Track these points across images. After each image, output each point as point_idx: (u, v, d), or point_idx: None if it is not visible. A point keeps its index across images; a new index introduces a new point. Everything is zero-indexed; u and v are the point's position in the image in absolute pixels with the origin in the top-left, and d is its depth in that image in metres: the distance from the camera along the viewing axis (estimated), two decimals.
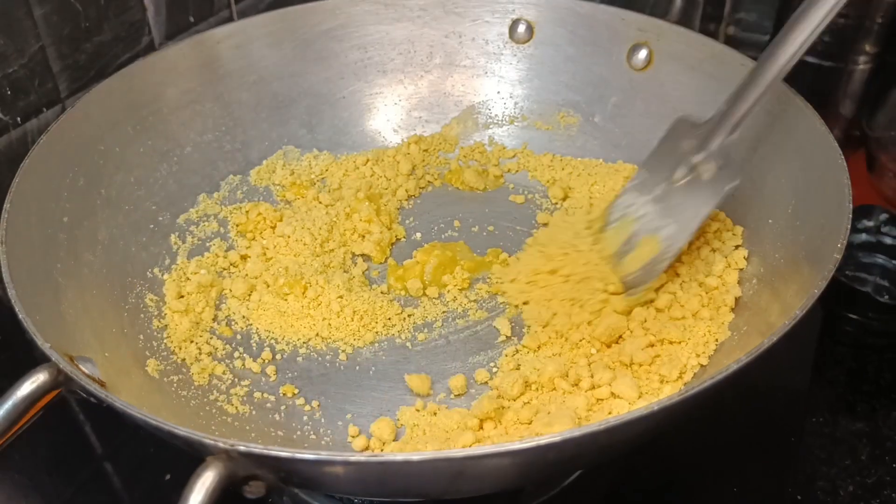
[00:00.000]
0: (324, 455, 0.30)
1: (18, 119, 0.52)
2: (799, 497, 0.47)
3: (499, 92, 0.68)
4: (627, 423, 0.32)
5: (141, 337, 0.49)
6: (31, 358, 0.55)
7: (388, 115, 0.68)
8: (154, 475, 0.49)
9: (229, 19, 0.66)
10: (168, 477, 0.49)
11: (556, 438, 0.30)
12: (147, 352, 0.48)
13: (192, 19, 0.63)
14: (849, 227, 0.41)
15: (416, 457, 0.30)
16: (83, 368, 0.37)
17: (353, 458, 0.30)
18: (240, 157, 0.63)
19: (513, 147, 0.67)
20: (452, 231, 0.60)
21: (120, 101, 0.55)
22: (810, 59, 0.65)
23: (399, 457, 0.30)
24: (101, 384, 0.37)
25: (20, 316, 0.37)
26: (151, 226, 0.56)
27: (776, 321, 0.41)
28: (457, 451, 0.30)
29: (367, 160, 0.65)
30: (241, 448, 0.31)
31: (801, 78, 0.66)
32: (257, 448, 0.31)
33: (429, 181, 0.65)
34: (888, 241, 0.59)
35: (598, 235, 0.54)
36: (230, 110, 0.62)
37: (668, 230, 0.50)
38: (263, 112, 0.64)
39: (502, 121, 0.68)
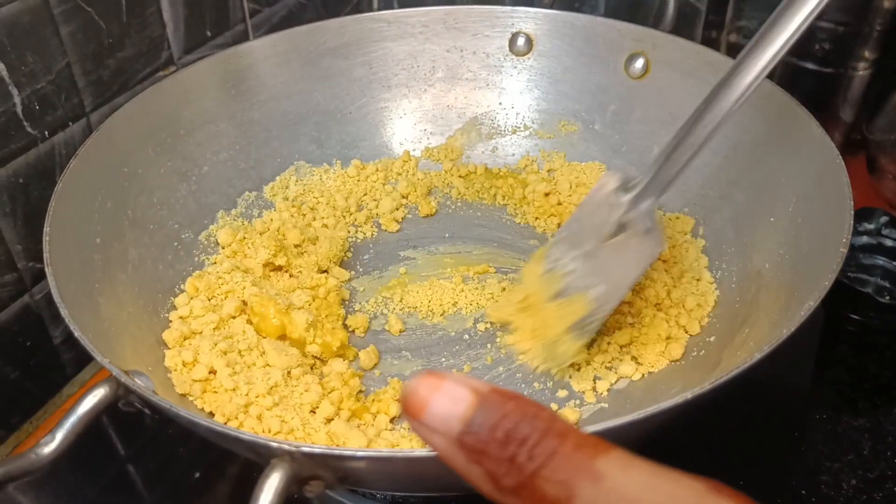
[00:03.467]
0: (385, 453, 0.32)
1: (46, 133, 0.53)
2: (803, 491, 0.48)
3: (500, 103, 0.70)
4: (649, 417, 0.34)
5: None
6: (59, 364, 0.57)
7: (394, 129, 0.70)
8: (178, 475, 0.51)
9: (245, 33, 0.68)
10: (197, 475, 0.51)
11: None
12: None
13: (209, 34, 0.65)
14: (851, 219, 0.43)
15: None
16: (139, 382, 0.38)
17: (414, 455, 0.32)
18: (254, 175, 0.65)
19: (516, 156, 0.70)
20: (462, 244, 0.63)
21: (140, 125, 0.56)
22: (810, 66, 0.68)
23: None
24: (156, 395, 0.38)
25: (76, 334, 0.39)
26: (175, 244, 0.57)
27: (786, 315, 0.44)
28: None
29: (377, 169, 0.68)
30: (305, 449, 0.32)
31: (802, 84, 0.69)
32: (320, 448, 0.33)
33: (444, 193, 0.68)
34: (889, 243, 0.61)
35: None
36: (243, 129, 0.64)
37: (598, 290, 0.48)
38: (274, 130, 0.66)
39: (505, 131, 0.70)
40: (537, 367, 0.51)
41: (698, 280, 0.56)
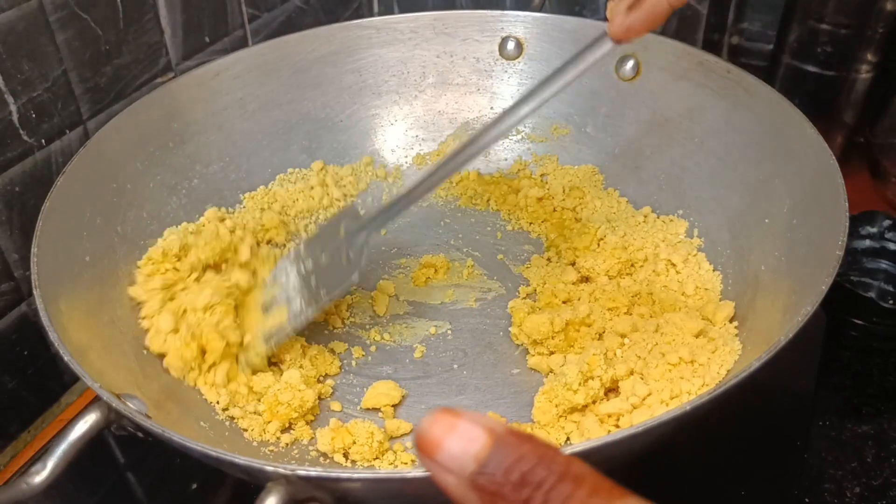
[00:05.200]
0: (382, 474, 0.32)
1: (43, 141, 0.53)
2: (807, 499, 0.48)
3: (492, 107, 0.70)
4: (650, 429, 0.34)
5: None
6: (56, 373, 0.57)
7: (385, 136, 0.70)
8: (177, 485, 0.51)
9: (243, 38, 0.68)
10: (194, 486, 0.51)
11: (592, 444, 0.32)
12: (172, 386, 0.49)
13: (207, 39, 0.64)
14: (847, 222, 0.43)
15: None
16: (131, 405, 0.38)
17: (410, 475, 0.32)
18: (245, 185, 0.64)
19: (508, 161, 0.69)
20: (456, 251, 0.63)
21: (129, 139, 0.56)
22: (812, 69, 0.67)
23: None
24: (149, 419, 0.38)
25: (66, 358, 0.38)
26: None
27: (784, 318, 0.44)
28: None
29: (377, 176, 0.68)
30: (301, 472, 0.32)
31: (804, 87, 0.68)
32: (315, 471, 0.32)
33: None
34: (892, 246, 0.61)
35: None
36: (233, 140, 0.64)
37: (294, 305, 0.52)
38: (265, 139, 0.65)
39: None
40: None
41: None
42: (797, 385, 0.56)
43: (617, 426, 0.46)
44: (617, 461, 0.41)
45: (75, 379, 0.60)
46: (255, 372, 0.50)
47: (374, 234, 0.53)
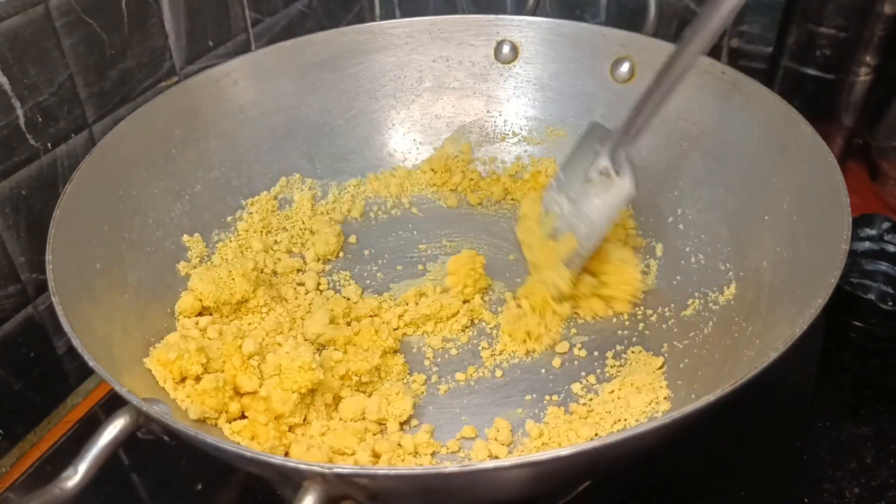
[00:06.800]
0: (419, 470, 0.33)
1: (49, 145, 0.54)
2: (806, 500, 0.49)
3: (488, 111, 0.71)
4: (651, 431, 0.35)
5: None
6: (62, 374, 0.58)
7: (383, 140, 0.70)
8: (182, 486, 0.51)
9: (246, 42, 0.69)
10: (199, 487, 0.51)
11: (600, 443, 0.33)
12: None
13: (210, 43, 0.65)
14: (850, 216, 0.44)
15: (506, 462, 0.32)
16: (157, 409, 0.38)
17: (445, 471, 0.32)
18: (246, 191, 0.64)
19: (506, 163, 0.70)
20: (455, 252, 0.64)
21: (132, 146, 0.56)
22: (811, 72, 0.69)
23: (490, 464, 0.32)
24: (180, 423, 0.38)
25: (90, 363, 0.38)
26: (172, 265, 0.57)
27: (789, 313, 0.45)
28: (542, 455, 0.33)
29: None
30: (338, 469, 0.33)
31: (803, 89, 0.69)
32: (351, 468, 0.33)
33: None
34: (891, 248, 0.62)
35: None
36: (234, 146, 0.64)
37: (580, 231, 0.55)
38: (265, 145, 0.66)
39: (494, 138, 0.71)
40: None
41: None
42: (797, 386, 0.57)
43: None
44: (623, 461, 0.42)
45: (80, 380, 0.60)
46: (562, 300, 0.55)
47: (633, 147, 0.53)
